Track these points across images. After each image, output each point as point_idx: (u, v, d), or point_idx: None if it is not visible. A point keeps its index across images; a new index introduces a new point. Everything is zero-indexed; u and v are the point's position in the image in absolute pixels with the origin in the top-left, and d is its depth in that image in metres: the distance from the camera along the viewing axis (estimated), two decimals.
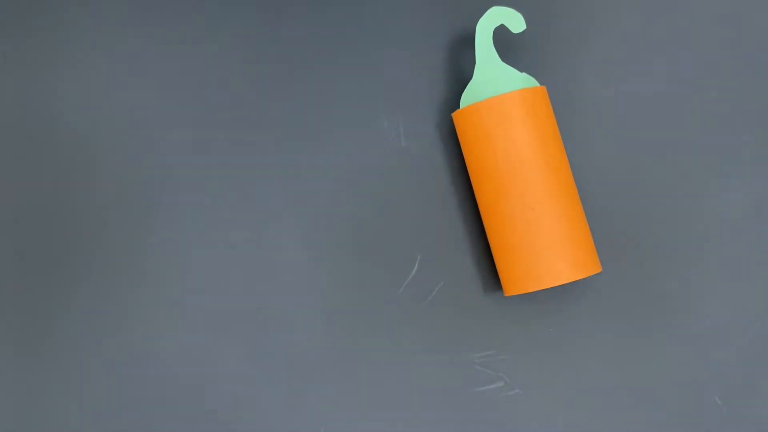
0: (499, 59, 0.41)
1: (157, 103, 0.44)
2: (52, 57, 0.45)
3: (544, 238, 0.39)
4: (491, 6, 0.44)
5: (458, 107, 0.44)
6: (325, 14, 0.45)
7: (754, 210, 0.44)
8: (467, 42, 0.45)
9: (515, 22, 0.41)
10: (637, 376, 0.43)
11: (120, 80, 0.44)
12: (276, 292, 0.43)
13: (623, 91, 0.45)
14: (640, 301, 0.43)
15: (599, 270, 0.40)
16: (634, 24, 0.45)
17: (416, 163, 0.44)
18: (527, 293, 0.43)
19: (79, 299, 0.43)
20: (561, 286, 0.43)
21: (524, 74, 0.40)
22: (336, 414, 0.42)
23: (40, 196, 0.44)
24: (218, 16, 0.45)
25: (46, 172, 0.44)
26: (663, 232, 0.44)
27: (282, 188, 0.44)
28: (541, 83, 0.44)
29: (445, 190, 0.44)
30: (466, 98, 0.41)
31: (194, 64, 0.45)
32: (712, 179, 0.44)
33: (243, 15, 0.45)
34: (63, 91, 0.44)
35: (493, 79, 0.40)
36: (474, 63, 0.41)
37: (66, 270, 0.43)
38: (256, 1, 0.45)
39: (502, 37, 0.44)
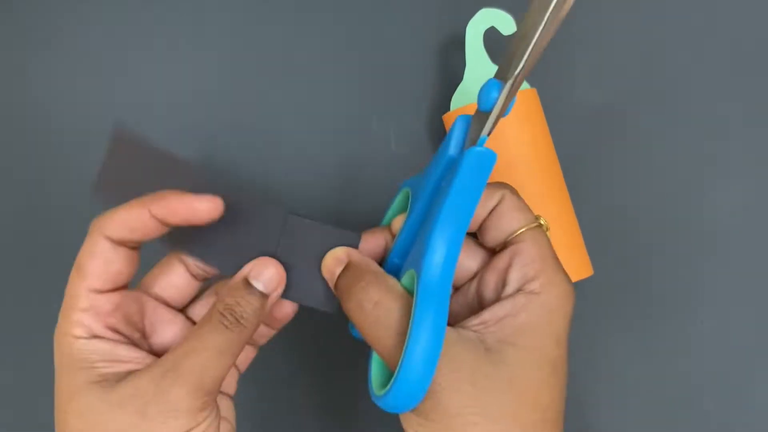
0: (490, 61, 0.41)
1: (151, 104, 0.44)
2: (35, 54, 0.44)
3: None
4: (481, 8, 0.44)
5: (449, 109, 0.44)
6: (313, 18, 0.45)
7: (746, 212, 0.44)
8: (457, 44, 0.44)
9: (505, 23, 0.40)
10: (628, 378, 0.43)
11: (113, 81, 0.44)
12: None
13: (614, 92, 0.44)
14: (631, 304, 0.43)
15: (591, 273, 0.40)
16: (625, 26, 0.45)
17: (406, 165, 0.44)
18: None
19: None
20: None
21: None
22: (324, 420, 0.42)
23: (25, 197, 0.43)
24: (210, 17, 0.45)
25: (32, 172, 0.44)
26: (655, 235, 0.44)
27: (272, 189, 0.43)
28: (531, 85, 0.44)
29: None
30: (457, 100, 0.41)
31: (186, 65, 0.44)
32: (705, 181, 0.44)
33: (233, 17, 0.45)
34: (49, 91, 0.44)
35: (483, 80, 0.40)
36: (464, 65, 0.41)
37: (48, 271, 0.43)
38: (246, 4, 0.45)
39: (492, 39, 0.44)
